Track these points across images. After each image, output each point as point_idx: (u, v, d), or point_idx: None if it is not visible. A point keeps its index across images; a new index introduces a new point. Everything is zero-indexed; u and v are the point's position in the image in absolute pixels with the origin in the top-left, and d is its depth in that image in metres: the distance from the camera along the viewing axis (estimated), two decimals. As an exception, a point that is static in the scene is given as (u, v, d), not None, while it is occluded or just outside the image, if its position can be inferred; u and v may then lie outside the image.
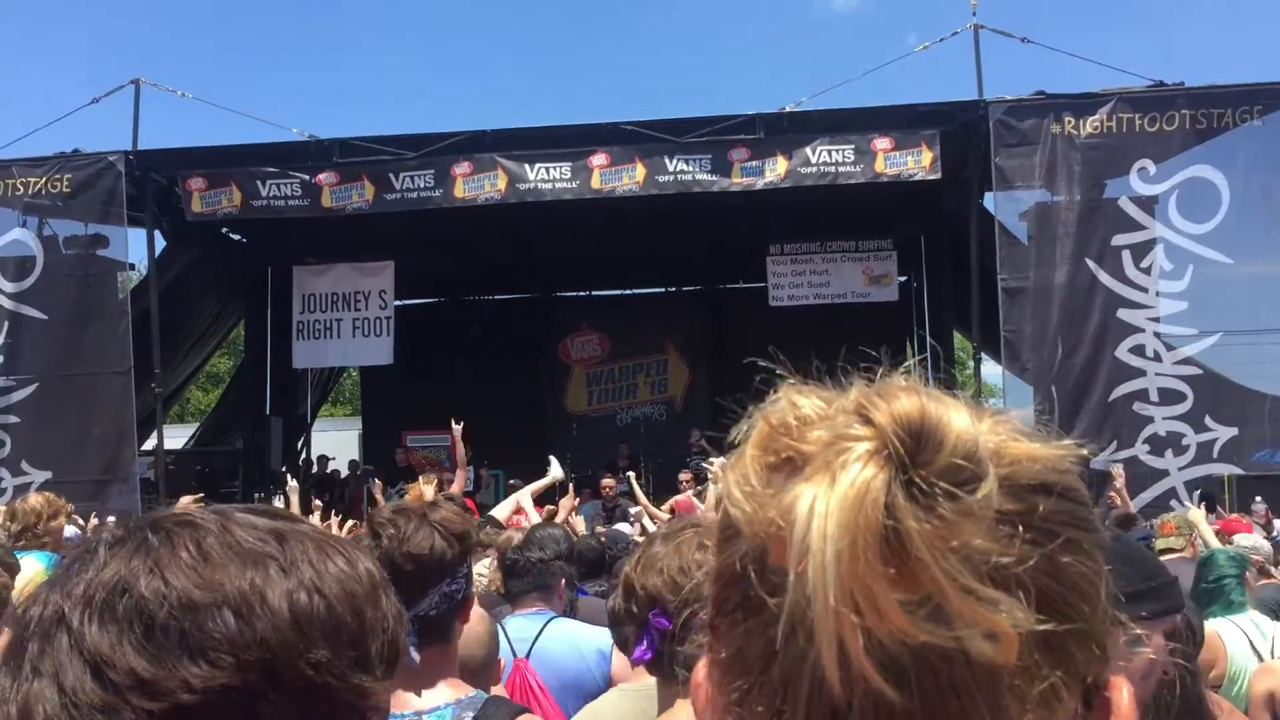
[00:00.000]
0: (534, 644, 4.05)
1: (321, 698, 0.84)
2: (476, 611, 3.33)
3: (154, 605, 0.81)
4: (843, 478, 0.56)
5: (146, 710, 0.78)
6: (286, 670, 0.83)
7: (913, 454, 0.57)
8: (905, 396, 0.61)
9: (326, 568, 0.89)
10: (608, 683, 3.79)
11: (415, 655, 2.37)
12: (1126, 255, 11.45)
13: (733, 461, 0.63)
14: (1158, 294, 11.45)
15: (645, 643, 2.06)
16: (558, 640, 4.09)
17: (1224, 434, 11.23)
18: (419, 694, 2.34)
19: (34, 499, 5.81)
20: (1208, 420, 11.25)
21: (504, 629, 4.05)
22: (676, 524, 2.25)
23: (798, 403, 0.65)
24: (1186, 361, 11.39)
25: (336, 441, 22.07)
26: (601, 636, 4.10)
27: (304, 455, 19.43)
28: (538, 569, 4.33)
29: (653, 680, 3.08)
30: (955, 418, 0.59)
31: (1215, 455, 11.16)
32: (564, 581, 4.66)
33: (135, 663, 0.79)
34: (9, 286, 12.78)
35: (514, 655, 3.91)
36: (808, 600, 0.55)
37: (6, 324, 12.75)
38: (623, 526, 8.60)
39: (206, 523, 0.88)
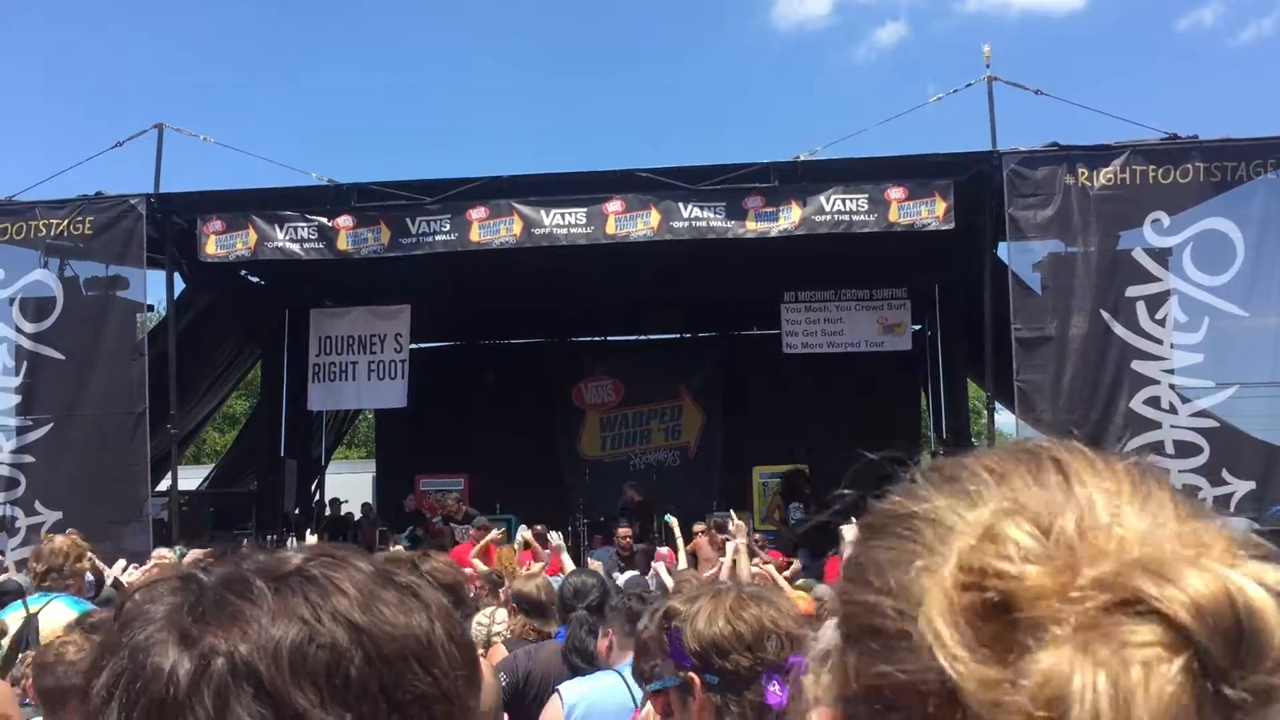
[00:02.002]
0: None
1: None
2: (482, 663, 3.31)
3: (346, 656, 0.77)
4: (1135, 685, 0.49)
5: None
6: (461, 716, 0.83)
7: (1225, 664, 0.49)
8: (1199, 577, 0.51)
9: (449, 610, 0.88)
10: None
11: None
12: (1141, 307, 11.43)
13: (926, 597, 0.57)
14: (1173, 346, 11.40)
15: (777, 685, 2.05)
16: None
17: (1242, 488, 11.14)
18: None
19: (59, 540, 5.85)
20: (1225, 474, 11.16)
21: (622, 676, 4.01)
22: (733, 585, 2.24)
23: (1009, 537, 0.57)
24: (1202, 414, 11.33)
25: (351, 484, 22.07)
26: None
27: (317, 498, 19.45)
28: None
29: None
30: (1272, 609, 0.50)
31: (1232, 509, 11.02)
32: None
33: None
34: (29, 327, 12.89)
35: (635, 705, 3.89)
36: None
37: (25, 364, 12.83)
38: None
39: (350, 561, 0.86)
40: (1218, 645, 0.49)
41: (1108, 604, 0.51)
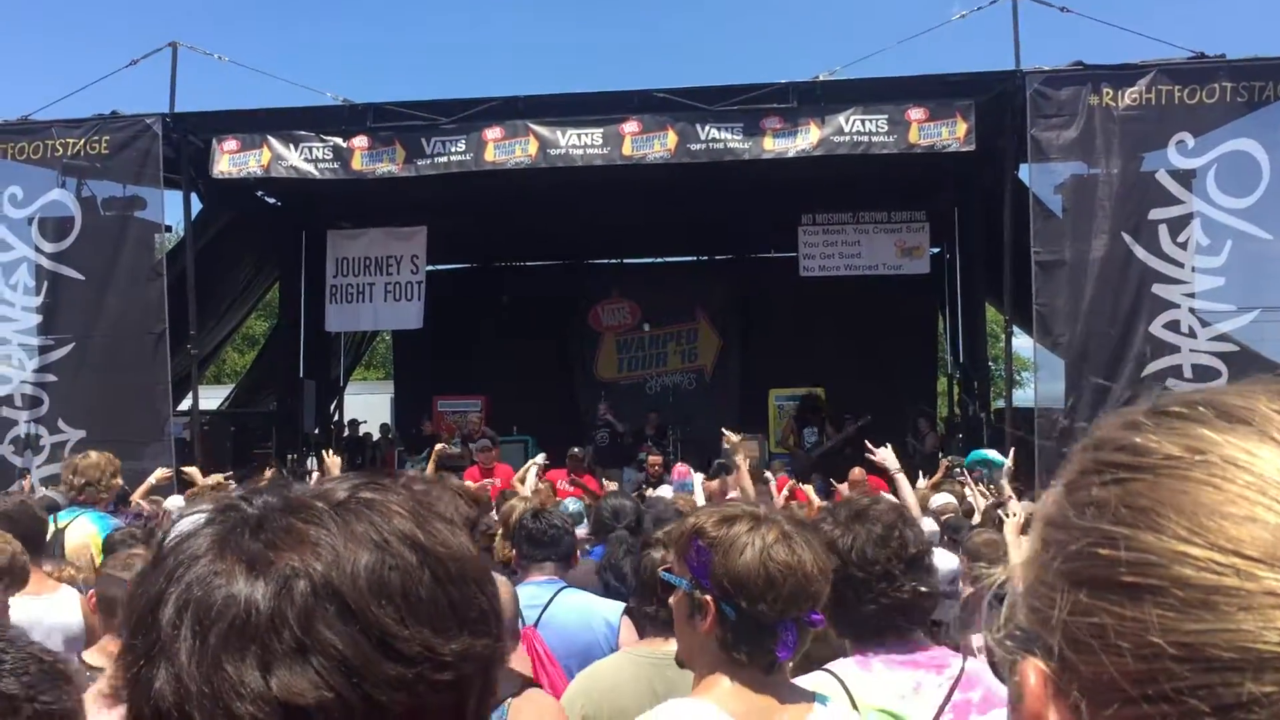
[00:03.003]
0: (543, 612, 4.11)
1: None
2: (498, 578, 3.41)
3: (416, 577, 0.80)
4: None
5: (435, 682, 0.78)
6: (505, 632, 0.87)
7: None
8: None
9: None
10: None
11: None
12: (1163, 229, 11.30)
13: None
14: (1194, 269, 11.28)
15: (793, 639, 2.05)
16: (568, 610, 4.14)
17: (1260, 412, 11.07)
18: None
19: (94, 455, 5.99)
20: (1243, 398, 11.10)
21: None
22: (772, 518, 2.15)
23: None
24: (1222, 338, 11.24)
25: (369, 405, 22.28)
26: (611, 608, 4.14)
27: (336, 418, 19.62)
28: (552, 538, 4.38)
29: (661, 647, 3.10)
30: None
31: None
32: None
33: (425, 637, 0.78)
34: (48, 247, 12.93)
35: (522, 623, 3.97)
36: None
37: (45, 284, 12.90)
38: (665, 490, 8.67)
39: (391, 487, 0.88)
40: None
41: None
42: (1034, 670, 0.64)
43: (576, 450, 12.29)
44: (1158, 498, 0.60)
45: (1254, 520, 0.56)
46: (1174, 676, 0.56)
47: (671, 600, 2.21)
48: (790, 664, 2.16)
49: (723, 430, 7.69)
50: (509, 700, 2.31)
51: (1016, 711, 0.66)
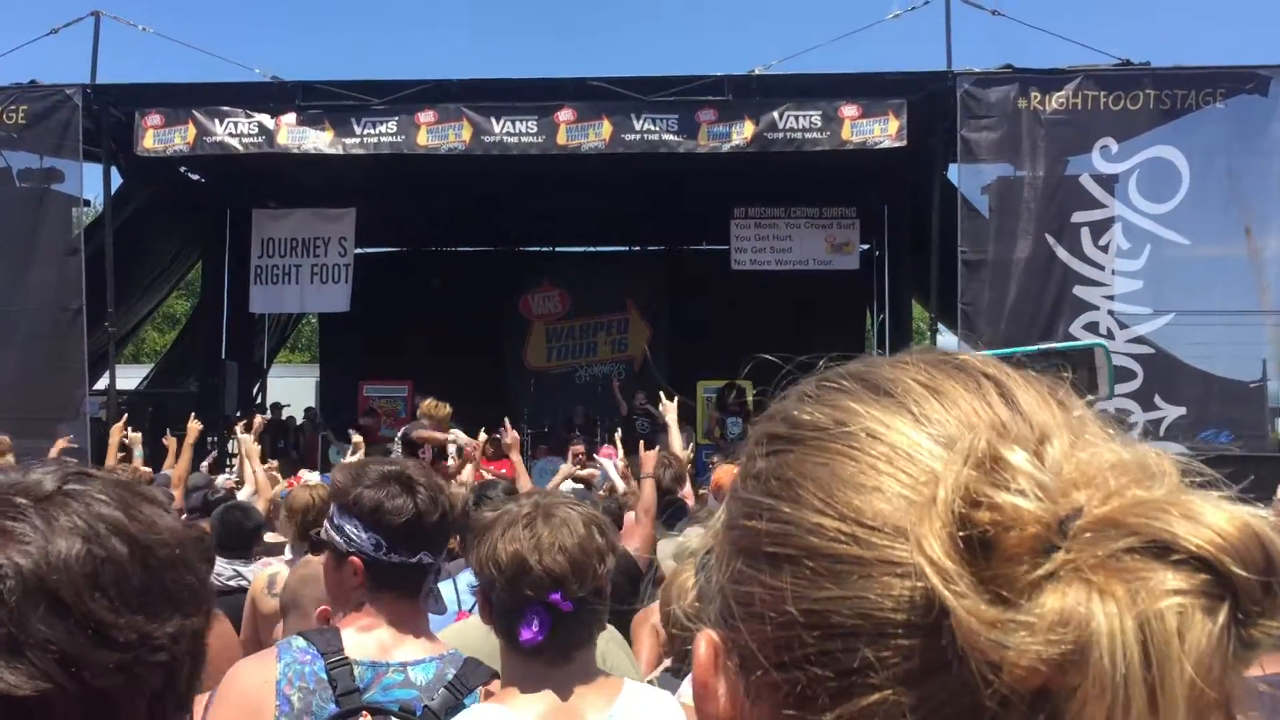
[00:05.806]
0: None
1: None
2: None
3: (128, 566, 0.82)
4: (1170, 633, 0.47)
5: (151, 664, 0.81)
6: (212, 598, 0.91)
7: (1257, 607, 0.48)
8: (1218, 514, 0.49)
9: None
10: None
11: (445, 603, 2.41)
12: (1085, 232, 11.57)
13: (920, 527, 0.53)
14: (1114, 272, 11.57)
15: (537, 624, 2.04)
16: None
17: (1172, 413, 11.40)
18: (401, 643, 2.35)
19: None
20: (1157, 399, 11.42)
21: (455, 582, 4.08)
22: (532, 501, 2.20)
23: (1012, 464, 0.53)
24: (1139, 340, 11.54)
25: (293, 388, 21.91)
26: None
27: (259, 401, 19.28)
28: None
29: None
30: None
31: (1162, 434, 11.34)
32: None
33: (140, 624, 0.81)
34: (-40, 219, 12.53)
35: (460, 607, 3.94)
36: None
37: (-42, 256, 12.51)
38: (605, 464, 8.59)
39: (97, 475, 0.89)
40: (1253, 588, 0.47)
41: (1130, 546, 0.49)
42: (705, 639, 0.65)
43: (497, 435, 12.22)
44: (801, 470, 0.61)
45: (879, 490, 0.57)
46: (804, 644, 0.57)
47: None
48: (586, 652, 2.15)
49: (659, 391, 7.73)
50: None
51: (694, 682, 0.67)
